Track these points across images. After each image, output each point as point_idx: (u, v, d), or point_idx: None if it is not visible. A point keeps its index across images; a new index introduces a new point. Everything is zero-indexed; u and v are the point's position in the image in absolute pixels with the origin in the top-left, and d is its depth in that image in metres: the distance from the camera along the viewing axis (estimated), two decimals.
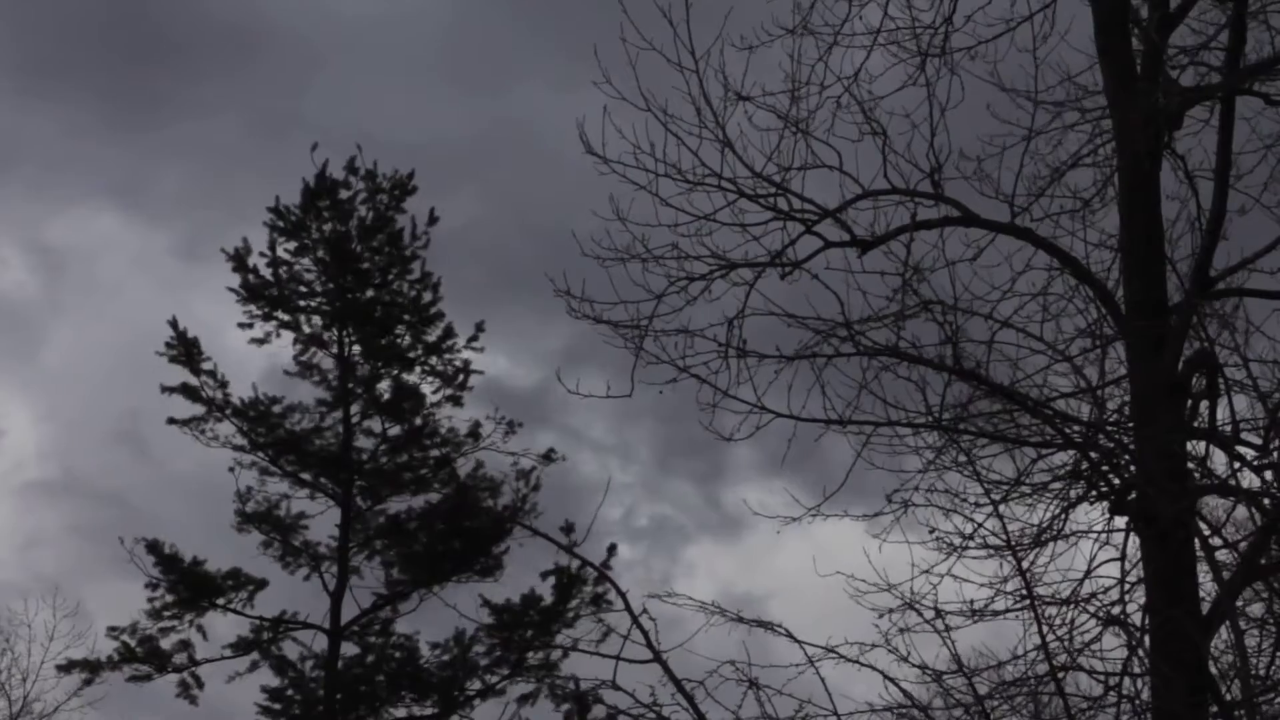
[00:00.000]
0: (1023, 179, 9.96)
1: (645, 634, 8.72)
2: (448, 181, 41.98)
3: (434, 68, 45.03)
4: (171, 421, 23.09)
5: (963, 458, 9.57)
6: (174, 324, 23.10)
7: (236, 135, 43.62)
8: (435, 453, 23.38)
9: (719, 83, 9.57)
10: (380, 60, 46.14)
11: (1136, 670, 9.12)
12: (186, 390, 23.09)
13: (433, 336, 23.91)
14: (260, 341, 23.62)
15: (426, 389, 23.71)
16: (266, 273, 23.63)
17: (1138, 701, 9.08)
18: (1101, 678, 9.26)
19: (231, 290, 23.55)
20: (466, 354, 23.85)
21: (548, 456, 23.54)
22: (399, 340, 23.81)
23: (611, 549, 22.89)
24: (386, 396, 23.51)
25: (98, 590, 39.45)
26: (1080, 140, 10.32)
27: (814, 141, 9.67)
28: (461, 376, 23.78)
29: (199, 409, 23.13)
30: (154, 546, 22.68)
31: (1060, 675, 9.01)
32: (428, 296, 23.92)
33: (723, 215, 9.65)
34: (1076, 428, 9.65)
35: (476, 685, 22.87)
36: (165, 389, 23.05)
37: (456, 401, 23.78)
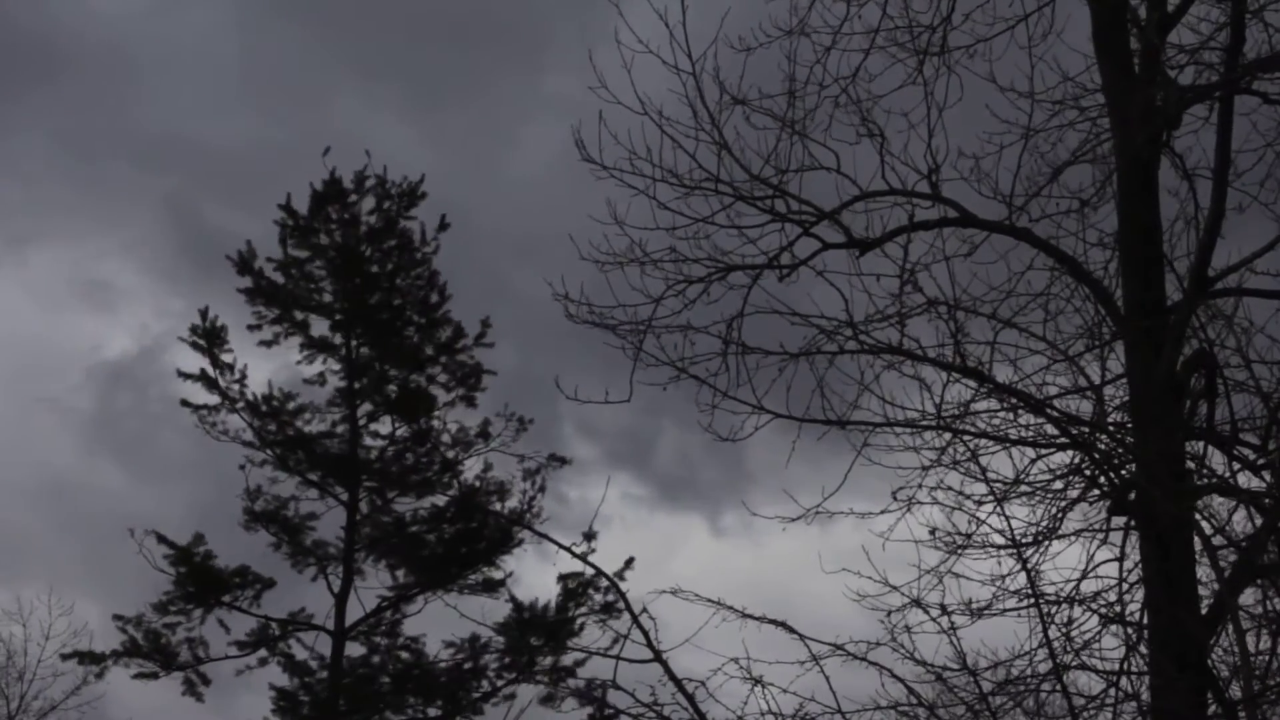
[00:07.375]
0: (1020, 178, 9.97)
1: (645, 633, 8.73)
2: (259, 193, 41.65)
3: (236, 82, 45.69)
4: (185, 404, 23.21)
5: (965, 456, 9.58)
6: (204, 313, 23.24)
7: (47, 147, 43.60)
8: (448, 453, 23.42)
9: (715, 85, 9.59)
10: (184, 75, 46.62)
11: (1137, 669, 9.12)
12: (205, 379, 23.15)
13: (442, 337, 24.00)
14: (269, 343, 23.75)
15: (438, 390, 23.81)
16: (275, 276, 23.76)
17: (1140, 700, 9.08)
18: (1103, 676, 9.26)
19: (240, 291, 23.71)
20: (476, 352, 23.99)
21: (556, 457, 23.58)
22: (408, 340, 23.86)
23: (629, 562, 22.80)
24: (394, 396, 23.55)
25: None
26: (1078, 139, 10.29)
27: (811, 143, 9.68)
28: (473, 378, 23.87)
29: (214, 398, 23.25)
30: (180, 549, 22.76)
31: (1064, 673, 9.01)
32: (435, 298, 24.01)
33: (720, 218, 9.65)
34: (1077, 427, 9.63)
35: (484, 688, 22.91)
36: (182, 374, 23.24)
37: (470, 402, 23.89)
